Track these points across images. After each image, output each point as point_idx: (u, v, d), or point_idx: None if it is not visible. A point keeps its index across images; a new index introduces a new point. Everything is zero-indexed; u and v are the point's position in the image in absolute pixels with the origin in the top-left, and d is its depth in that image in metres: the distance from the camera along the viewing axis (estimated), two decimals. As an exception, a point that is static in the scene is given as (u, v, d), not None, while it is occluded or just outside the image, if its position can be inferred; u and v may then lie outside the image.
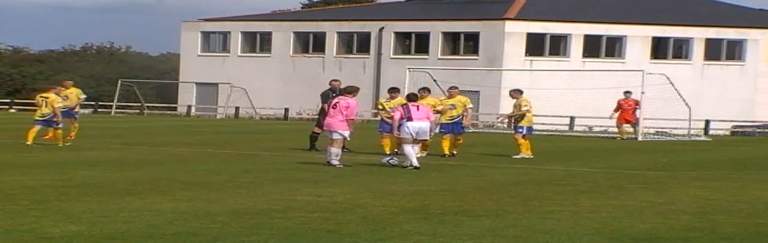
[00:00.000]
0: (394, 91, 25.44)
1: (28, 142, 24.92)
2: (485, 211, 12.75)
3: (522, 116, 24.79)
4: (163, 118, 56.21)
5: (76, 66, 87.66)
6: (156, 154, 23.09)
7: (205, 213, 12.01)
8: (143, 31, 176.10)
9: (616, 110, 37.43)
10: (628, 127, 38.00)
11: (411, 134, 20.36)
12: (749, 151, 30.84)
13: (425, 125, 20.57)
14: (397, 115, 20.73)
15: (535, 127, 26.58)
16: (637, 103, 37.25)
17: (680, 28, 57.99)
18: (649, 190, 16.19)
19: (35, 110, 26.91)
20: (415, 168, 19.55)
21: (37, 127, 25.43)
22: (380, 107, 25.05)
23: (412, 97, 21.50)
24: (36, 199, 13.14)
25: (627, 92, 37.52)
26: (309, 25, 63.27)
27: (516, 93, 25.17)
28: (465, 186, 16.35)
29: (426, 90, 24.91)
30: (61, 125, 25.73)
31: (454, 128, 24.51)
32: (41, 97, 25.89)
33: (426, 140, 21.52)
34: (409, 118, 20.45)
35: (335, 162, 19.91)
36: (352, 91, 21.03)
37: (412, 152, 20.11)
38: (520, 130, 24.61)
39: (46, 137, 25.78)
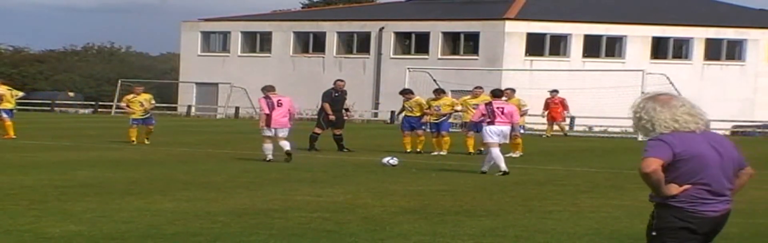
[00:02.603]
0: (408, 92, 26.19)
1: (145, 142, 26.98)
2: (485, 211, 12.74)
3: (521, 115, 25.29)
4: (163, 118, 56.18)
5: (76, 66, 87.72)
6: (156, 154, 23.09)
7: (205, 213, 12.01)
8: (143, 31, 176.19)
9: (545, 109, 37.83)
10: (559, 124, 38.40)
11: (495, 137, 19.00)
12: (749, 151, 30.77)
13: (507, 129, 19.21)
14: (477, 115, 19.60)
15: (535, 126, 26.87)
16: (562, 101, 37.84)
17: (680, 28, 57.96)
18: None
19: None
20: (504, 173, 18.39)
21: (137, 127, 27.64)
22: (403, 108, 25.97)
23: (497, 93, 20.05)
24: (36, 199, 13.14)
25: (553, 91, 38.04)
26: (309, 25, 63.26)
27: (511, 92, 26.00)
28: (465, 186, 16.35)
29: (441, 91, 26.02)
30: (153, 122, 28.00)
31: (479, 127, 24.93)
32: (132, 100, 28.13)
33: (505, 142, 19.59)
34: (492, 122, 19.10)
35: (270, 157, 20.93)
36: (273, 89, 21.81)
37: (501, 156, 18.83)
38: (520, 129, 24.95)
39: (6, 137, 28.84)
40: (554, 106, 37.82)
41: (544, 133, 37.81)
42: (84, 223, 11.00)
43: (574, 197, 14.84)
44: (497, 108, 19.22)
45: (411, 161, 21.56)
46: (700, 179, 6.12)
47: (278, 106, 21.17)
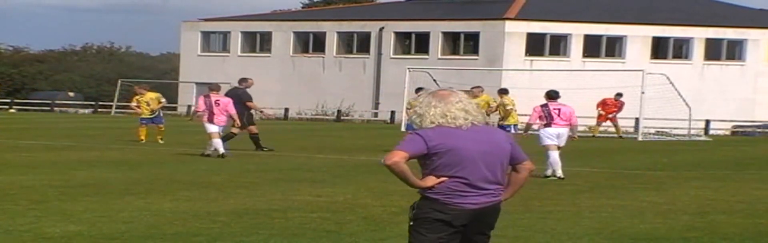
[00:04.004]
0: (421, 90, 25.95)
1: (160, 141, 27.46)
2: (485, 211, 12.73)
3: (507, 115, 25.99)
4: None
5: (76, 66, 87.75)
6: (156, 154, 23.09)
7: (205, 213, 12.00)
8: (143, 31, 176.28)
9: (598, 106, 38.91)
10: (598, 125, 39.32)
11: (553, 140, 18.27)
12: (749, 151, 30.83)
13: (564, 131, 18.42)
14: (533, 117, 18.57)
15: (537, 127, 26.97)
16: (622, 105, 38.82)
17: (680, 28, 57.95)
18: (649, 190, 16.19)
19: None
20: (560, 178, 17.86)
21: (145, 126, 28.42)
22: (408, 107, 25.56)
23: (553, 95, 18.81)
24: (36, 199, 13.13)
25: (618, 94, 38.75)
26: (309, 25, 63.25)
27: (501, 93, 26.67)
28: (465, 186, 16.31)
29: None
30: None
31: None
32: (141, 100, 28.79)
33: (562, 146, 18.53)
34: (548, 124, 18.34)
35: (209, 152, 22.24)
36: (218, 88, 23.44)
37: (558, 161, 18.09)
38: (509, 128, 25.38)
39: None
40: (610, 108, 38.55)
41: (615, 133, 39.02)
42: (84, 223, 10.99)
43: (574, 197, 14.84)
44: (554, 109, 18.37)
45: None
46: (457, 172, 6.24)
47: (216, 105, 22.55)
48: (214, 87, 23.39)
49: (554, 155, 18.15)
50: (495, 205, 6.35)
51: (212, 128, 22.40)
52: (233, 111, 22.83)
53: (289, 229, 10.84)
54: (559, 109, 18.45)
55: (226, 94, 24.33)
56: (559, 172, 18.12)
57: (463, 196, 6.25)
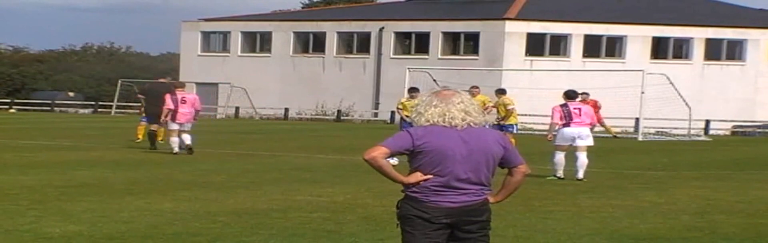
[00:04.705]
0: (414, 91, 25.51)
1: (140, 139, 27.20)
2: (485, 211, 12.72)
3: (508, 115, 25.94)
4: (163, 118, 56.10)
5: (76, 66, 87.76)
6: (156, 154, 23.09)
7: (205, 213, 12.01)
8: (143, 31, 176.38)
9: None
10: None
11: (567, 141, 18.21)
12: (749, 151, 30.81)
13: (585, 130, 18.31)
14: (556, 117, 18.35)
15: (537, 127, 27.04)
16: (595, 103, 38.34)
17: (680, 28, 57.92)
18: (649, 190, 16.20)
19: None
20: (559, 178, 17.93)
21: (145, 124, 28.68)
22: (400, 107, 25.09)
23: (572, 95, 18.82)
24: (36, 199, 13.14)
25: (584, 93, 38.31)
26: (309, 25, 63.23)
27: (499, 93, 26.59)
28: (465, 186, 16.31)
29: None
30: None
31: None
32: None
33: (590, 145, 18.39)
34: (567, 124, 18.23)
35: (176, 149, 22.72)
36: (183, 86, 23.99)
37: (562, 162, 18.10)
38: (511, 128, 25.52)
39: None
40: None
41: (611, 133, 38.89)
42: (84, 223, 10.99)
43: (574, 197, 14.84)
44: (574, 109, 18.33)
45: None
46: (439, 171, 6.27)
47: (182, 102, 22.97)
48: (179, 84, 23.86)
49: (560, 156, 18.19)
50: (478, 205, 6.33)
51: (173, 126, 23.03)
52: (199, 108, 23.53)
53: (289, 229, 10.84)
54: (580, 109, 18.45)
55: (152, 88, 25.50)
56: (560, 173, 18.16)
57: (441, 194, 6.28)
